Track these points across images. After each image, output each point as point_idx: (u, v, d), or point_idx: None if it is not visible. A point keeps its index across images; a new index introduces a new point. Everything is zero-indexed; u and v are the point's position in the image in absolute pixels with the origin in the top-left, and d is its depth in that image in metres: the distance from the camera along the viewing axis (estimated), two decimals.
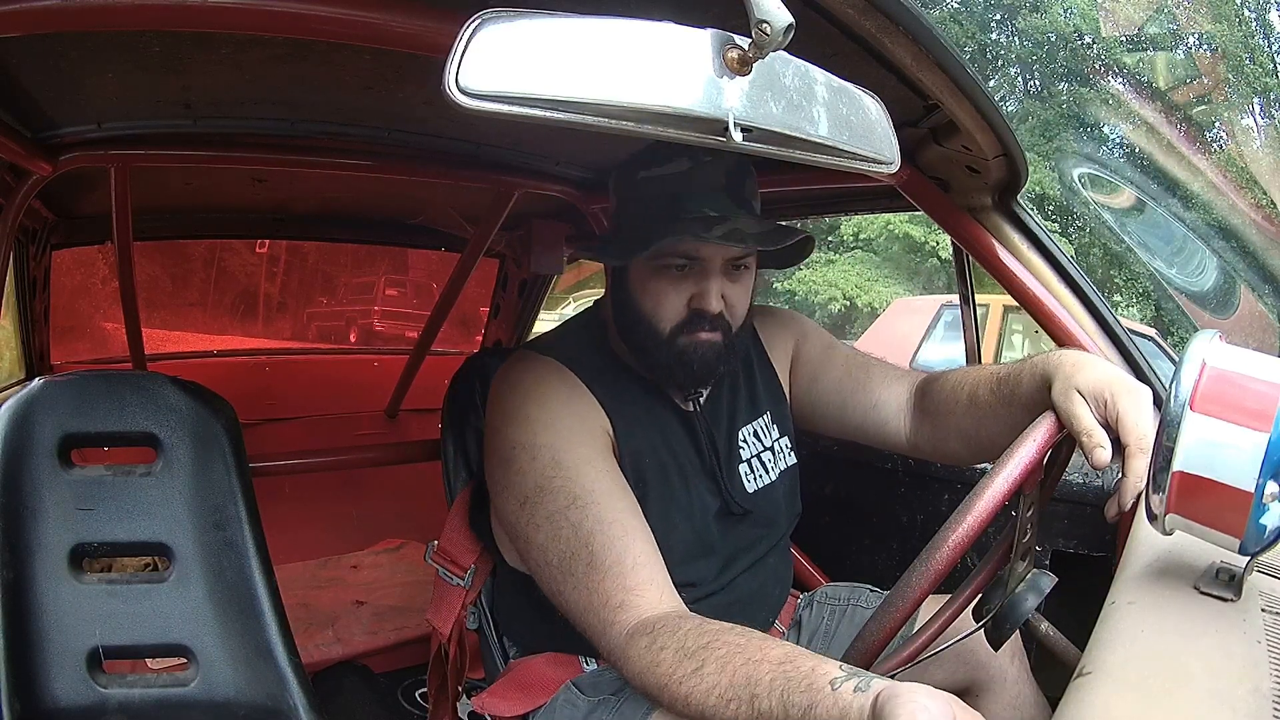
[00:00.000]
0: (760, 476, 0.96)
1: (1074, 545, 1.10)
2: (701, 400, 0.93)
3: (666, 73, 0.45)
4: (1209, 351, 0.59)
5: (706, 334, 0.83)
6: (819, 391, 1.00)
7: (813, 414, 1.02)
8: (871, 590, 1.03)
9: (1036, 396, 0.75)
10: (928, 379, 0.96)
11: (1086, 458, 0.67)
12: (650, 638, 0.67)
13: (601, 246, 0.89)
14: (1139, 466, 0.65)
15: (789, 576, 1.04)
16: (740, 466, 0.94)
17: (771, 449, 0.98)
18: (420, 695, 1.61)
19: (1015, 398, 0.80)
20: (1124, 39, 10.86)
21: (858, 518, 1.39)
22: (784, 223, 0.89)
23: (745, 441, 0.96)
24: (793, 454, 1.01)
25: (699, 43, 0.46)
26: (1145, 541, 0.72)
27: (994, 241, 1.03)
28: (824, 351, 1.02)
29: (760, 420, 0.98)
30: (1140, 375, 1.00)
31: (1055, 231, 10.73)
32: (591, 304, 0.99)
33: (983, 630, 0.71)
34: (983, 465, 1.15)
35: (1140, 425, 0.66)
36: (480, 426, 1.13)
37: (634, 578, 0.72)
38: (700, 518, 0.89)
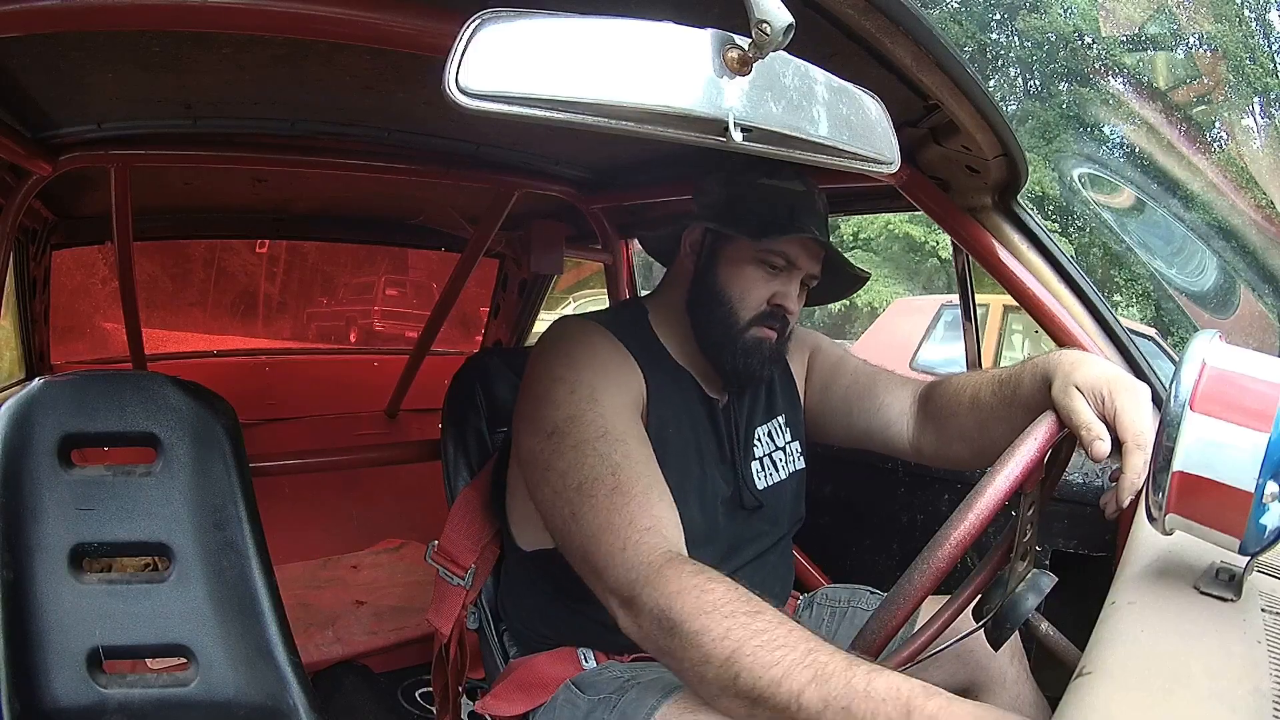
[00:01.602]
0: (770, 474, 0.99)
1: (1074, 545, 1.10)
2: (729, 395, 0.96)
3: (666, 73, 0.45)
4: (1209, 351, 0.59)
5: (773, 330, 0.90)
6: (829, 399, 1.05)
7: (824, 422, 1.05)
8: (871, 592, 1.04)
9: (1037, 396, 0.76)
10: (931, 384, 0.98)
11: (1085, 451, 0.68)
12: (698, 567, 0.66)
13: (709, 219, 0.92)
14: (1136, 463, 0.65)
15: (790, 578, 1.05)
16: (753, 463, 0.97)
17: (783, 449, 1.02)
18: (420, 695, 1.61)
19: (1016, 398, 0.81)
20: (1124, 39, 10.86)
21: (858, 519, 1.39)
22: None
23: (759, 440, 0.99)
24: (802, 459, 1.04)
25: (699, 43, 0.46)
26: (1145, 541, 0.72)
27: (994, 241, 1.04)
28: (835, 363, 1.07)
29: (775, 422, 1.02)
30: (1140, 375, 1.00)
31: (1055, 231, 10.72)
32: (629, 298, 0.99)
33: (983, 630, 0.71)
34: (985, 467, 1.16)
35: (1138, 422, 0.67)
36: (480, 426, 1.14)
37: (660, 508, 0.73)
38: (710, 502, 0.91)
